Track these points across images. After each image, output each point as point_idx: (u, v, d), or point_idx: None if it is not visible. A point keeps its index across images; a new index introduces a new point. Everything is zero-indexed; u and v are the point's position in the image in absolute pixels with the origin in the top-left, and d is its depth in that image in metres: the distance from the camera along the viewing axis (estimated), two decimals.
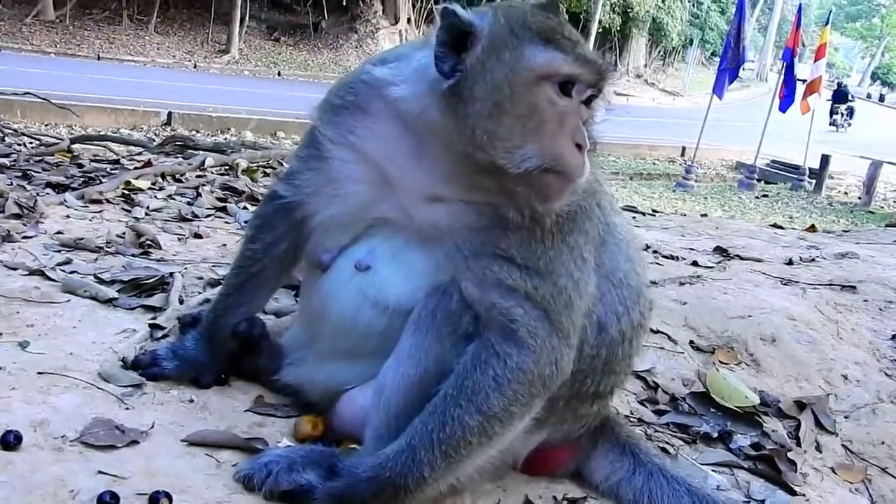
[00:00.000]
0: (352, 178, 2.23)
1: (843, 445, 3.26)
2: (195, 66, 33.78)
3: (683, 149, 29.03)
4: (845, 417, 3.42)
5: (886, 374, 3.79)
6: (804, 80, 25.06)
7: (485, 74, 1.97)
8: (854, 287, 4.66)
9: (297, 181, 2.38)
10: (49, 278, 3.13)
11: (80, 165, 5.79)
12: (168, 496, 1.90)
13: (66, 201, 4.38)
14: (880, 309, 4.43)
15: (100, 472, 1.98)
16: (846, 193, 25.44)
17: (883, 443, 3.31)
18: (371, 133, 2.19)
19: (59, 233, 3.79)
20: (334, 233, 2.29)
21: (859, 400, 3.55)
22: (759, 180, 25.41)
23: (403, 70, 2.13)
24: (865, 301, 4.51)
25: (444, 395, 2.01)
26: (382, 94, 2.16)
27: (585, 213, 2.17)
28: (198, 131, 18.90)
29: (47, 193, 4.55)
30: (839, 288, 4.64)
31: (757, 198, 22.88)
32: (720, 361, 3.56)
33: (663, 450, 2.80)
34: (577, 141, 1.97)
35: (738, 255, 5.28)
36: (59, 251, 3.51)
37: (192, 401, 2.43)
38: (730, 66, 23.14)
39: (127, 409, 2.31)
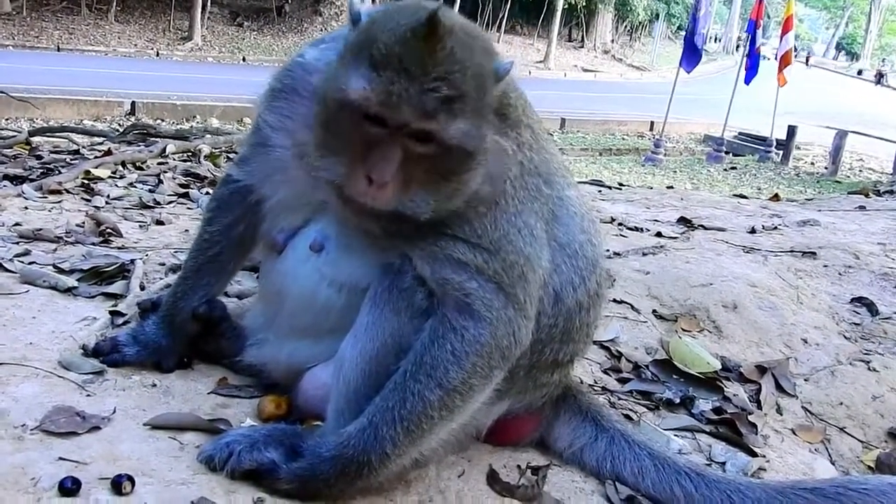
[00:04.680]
0: (293, 163, 2.23)
1: (802, 407, 3.33)
2: (158, 54, 33.29)
3: (652, 123, 29.14)
4: (805, 380, 3.49)
5: (845, 336, 3.87)
6: (765, 57, 25.10)
7: (331, 77, 1.97)
8: (814, 253, 4.75)
9: (247, 167, 2.39)
10: (7, 270, 3.10)
11: (39, 157, 5.72)
12: (130, 479, 1.90)
13: (23, 193, 4.32)
14: (840, 274, 4.52)
15: (61, 458, 1.97)
16: (813, 164, 25.67)
17: (841, 403, 3.38)
18: (304, 118, 2.18)
19: (17, 224, 3.75)
20: (286, 215, 2.30)
21: (819, 363, 3.62)
22: (727, 153, 25.53)
23: (331, 54, 2.10)
24: (825, 266, 4.59)
25: (404, 372, 2.03)
26: (311, 78, 2.15)
27: (531, 193, 2.18)
28: (162, 120, 18.69)
29: (5, 186, 4.50)
30: (800, 254, 4.73)
31: (725, 170, 23.03)
32: (683, 329, 3.62)
33: (627, 416, 2.85)
34: (369, 174, 1.91)
35: (701, 226, 5.36)
36: (17, 243, 3.47)
37: (154, 385, 2.43)
38: (694, 40, 23.12)
39: (88, 395, 2.30)
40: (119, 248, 3.62)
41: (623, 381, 3.15)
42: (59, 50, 30.97)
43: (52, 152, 6.17)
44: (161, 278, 3.26)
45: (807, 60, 75.35)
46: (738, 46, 26.20)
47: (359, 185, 1.93)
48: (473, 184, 2.02)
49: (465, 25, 2.01)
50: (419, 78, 1.84)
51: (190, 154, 6.48)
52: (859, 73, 75.90)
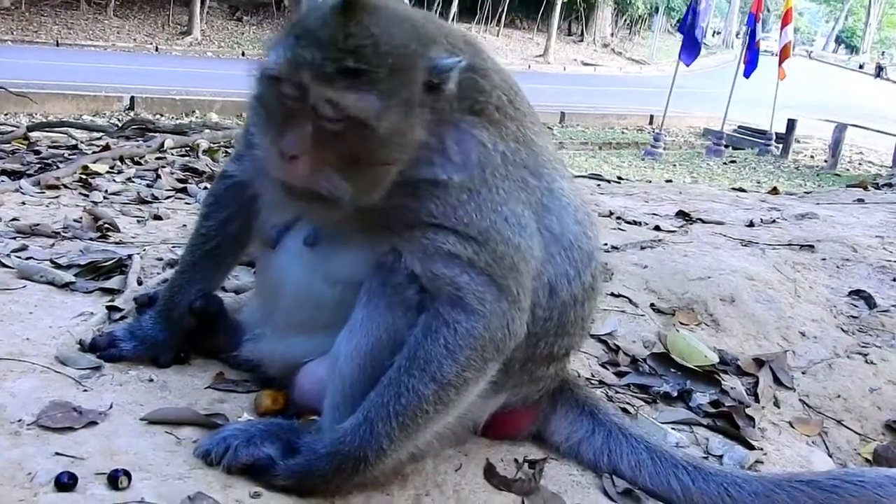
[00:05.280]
0: None
1: (800, 400, 3.34)
2: (157, 49, 33.24)
3: (651, 117, 29.13)
4: (803, 373, 3.50)
5: (843, 329, 3.87)
6: (771, 52, 25.13)
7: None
8: (812, 246, 4.75)
9: (242, 163, 2.41)
10: (4, 265, 3.09)
11: (37, 152, 5.71)
12: (127, 474, 1.90)
13: (21, 188, 4.32)
14: (837, 267, 4.52)
15: (57, 453, 1.97)
16: (812, 157, 25.68)
17: (839, 396, 3.39)
18: None
19: (14, 219, 3.74)
20: (280, 210, 2.29)
21: (816, 356, 3.63)
22: (726, 146, 25.54)
23: None
24: (823, 259, 4.60)
25: (398, 367, 2.03)
26: None
27: (517, 184, 2.16)
28: (162, 115, 18.67)
29: (2, 181, 4.49)
30: (798, 247, 4.73)
31: (725, 164, 23.04)
32: (680, 322, 3.62)
33: (624, 410, 2.85)
34: (280, 146, 1.92)
35: (700, 219, 5.36)
36: (14, 238, 3.46)
37: (151, 380, 2.42)
38: (689, 29, 23.05)
39: (85, 391, 2.29)
40: (117, 243, 3.61)
41: (620, 374, 3.15)
42: (57, 45, 30.92)
43: (50, 147, 6.15)
44: (158, 273, 3.25)
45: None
46: (744, 42, 26.08)
47: (274, 162, 1.96)
48: (390, 172, 2.01)
49: (402, 12, 2.01)
50: (327, 47, 1.87)
51: (188, 149, 6.49)
52: (861, 66, 75.63)
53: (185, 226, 4.03)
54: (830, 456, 3.05)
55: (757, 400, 3.19)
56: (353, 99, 1.87)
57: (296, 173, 1.94)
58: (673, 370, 3.22)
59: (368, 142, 1.93)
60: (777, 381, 3.37)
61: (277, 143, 1.93)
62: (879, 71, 67.66)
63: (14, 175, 4.73)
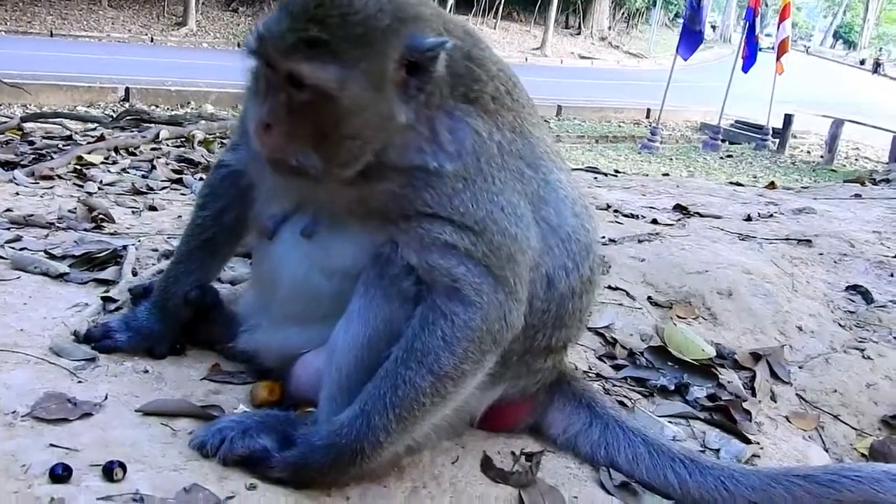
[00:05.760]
0: None
1: (797, 395, 3.34)
2: (152, 40, 33.10)
3: (648, 111, 29.09)
4: (800, 367, 3.49)
5: (840, 324, 3.87)
6: (772, 48, 25.14)
7: None
8: (810, 241, 4.74)
9: (238, 153, 2.39)
10: None
11: (31, 143, 5.68)
12: (122, 466, 1.89)
13: (15, 178, 4.30)
14: (835, 261, 4.52)
15: (52, 445, 1.96)
16: (809, 152, 25.69)
17: (836, 391, 3.39)
18: None
19: (7, 210, 3.72)
20: (276, 200, 2.29)
21: (813, 350, 3.63)
22: (723, 141, 25.50)
23: None
24: (821, 254, 4.59)
25: (395, 359, 2.02)
26: None
27: (513, 174, 2.15)
28: (157, 106, 18.62)
29: None
30: (795, 242, 4.72)
31: (721, 158, 23.02)
32: (678, 316, 3.61)
33: (621, 403, 2.85)
34: (255, 117, 1.99)
35: (697, 213, 5.35)
36: (8, 229, 3.44)
37: (146, 371, 2.41)
38: (691, 27, 23.04)
39: (80, 382, 2.28)
40: (111, 233, 3.59)
41: (618, 367, 3.15)
42: (52, 35, 30.73)
43: (44, 138, 6.12)
44: (153, 264, 3.24)
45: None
46: (742, 36, 26.06)
47: (254, 133, 1.99)
48: (362, 149, 2.00)
49: None
50: (295, 17, 1.91)
51: (184, 140, 6.46)
52: (862, 62, 75.33)
53: (180, 216, 4.01)
54: (827, 451, 3.06)
55: (754, 394, 3.19)
56: (311, 69, 1.89)
57: (269, 144, 1.97)
58: (670, 364, 3.22)
59: (333, 113, 1.94)
60: (774, 375, 3.37)
61: (256, 114, 1.97)
62: (877, 67, 67.67)
63: (8, 165, 4.71)
